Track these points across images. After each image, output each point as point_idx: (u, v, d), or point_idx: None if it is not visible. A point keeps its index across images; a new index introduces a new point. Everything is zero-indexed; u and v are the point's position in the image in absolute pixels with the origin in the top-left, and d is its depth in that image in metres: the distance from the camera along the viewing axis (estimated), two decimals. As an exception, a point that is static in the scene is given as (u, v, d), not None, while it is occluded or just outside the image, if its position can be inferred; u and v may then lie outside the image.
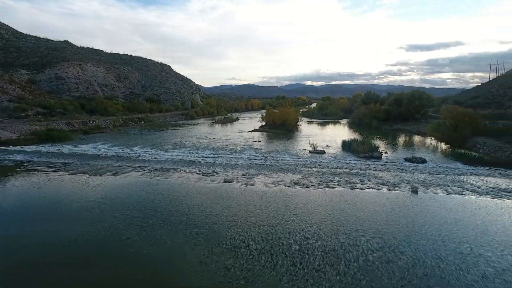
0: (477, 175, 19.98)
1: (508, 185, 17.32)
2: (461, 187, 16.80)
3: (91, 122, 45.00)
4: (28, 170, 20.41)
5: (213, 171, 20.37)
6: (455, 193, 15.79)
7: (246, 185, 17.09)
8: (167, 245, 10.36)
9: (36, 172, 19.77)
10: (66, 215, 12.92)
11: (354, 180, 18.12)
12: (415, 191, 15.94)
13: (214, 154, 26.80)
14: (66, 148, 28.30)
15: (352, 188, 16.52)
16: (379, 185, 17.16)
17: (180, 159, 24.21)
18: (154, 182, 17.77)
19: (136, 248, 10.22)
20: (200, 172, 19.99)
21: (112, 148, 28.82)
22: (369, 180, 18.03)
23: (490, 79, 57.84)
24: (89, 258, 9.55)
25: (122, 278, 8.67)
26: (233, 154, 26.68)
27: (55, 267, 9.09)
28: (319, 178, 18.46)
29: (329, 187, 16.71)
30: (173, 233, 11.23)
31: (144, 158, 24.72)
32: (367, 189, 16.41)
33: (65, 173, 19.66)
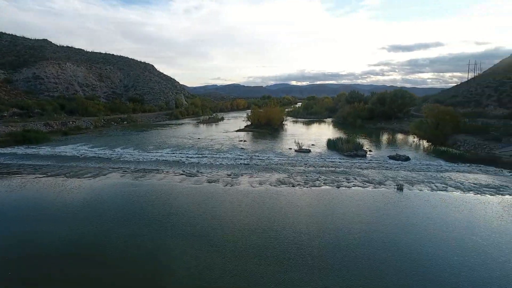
0: (459, 171, 20.28)
1: (489, 181, 17.60)
2: (445, 184, 16.94)
3: (71, 122, 43.38)
4: (0, 172, 19.30)
5: (197, 171, 19.82)
6: (439, 190, 15.90)
7: (231, 185, 16.65)
8: (150, 247, 9.85)
9: (9, 175, 18.70)
10: (40, 218, 12.14)
11: (340, 178, 18.00)
12: (400, 188, 15.94)
13: (199, 154, 26.26)
14: (44, 150, 27.06)
15: (338, 187, 16.37)
16: (364, 183, 17.09)
17: (163, 160, 23.54)
18: (135, 183, 17.09)
19: (119, 249, 9.69)
20: (184, 173, 19.39)
21: (92, 149, 27.80)
22: (355, 178, 17.96)
23: (469, 78, 59.62)
24: (68, 260, 8.94)
25: (106, 280, 8.14)
26: (218, 154, 26.21)
27: (33, 267, 8.45)
28: (305, 177, 18.24)
29: (315, 186, 16.50)
30: (156, 234, 10.71)
31: (125, 159, 23.89)
32: (353, 187, 16.30)
33: (40, 175, 18.64)
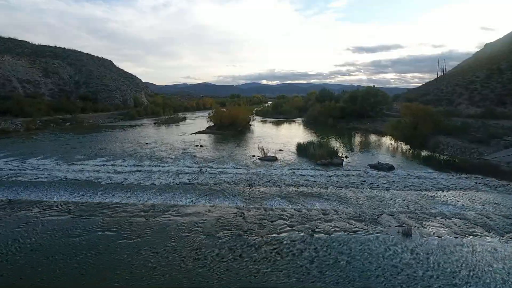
0: (462, 189, 14.78)
1: (516, 209, 11.95)
2: (465, 219, 10.86)
3: (-6, 125, 34.29)
4: None
5: (99, 204, 12.24)
6: (465, 233, 9.72)
7: (135, 238, 9.31)
8: None
9: None
10: None
11: (313, 212, 11.41)
12: (407, 233, 9.62)
13: (135, 165, 19.18)
14: None
15: (311, 233, 9.64)
16: (351, 221, 10.60)
17: (73, 179, 16.04)
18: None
19: None
20: (76, 208, 11.71)
21: (-7, 162, 19.79)
22: (336, 211, 11.45)
23: (438, 77, 56.13)
24: None
25: None
26: (160, 165, 19.22)
27: None
28: (263, 212, 11.43)
29: (276, 233, 9.67)
30: None
31: (18, 178, 16.10)
32: (334, 232, 9.71)
33: None
